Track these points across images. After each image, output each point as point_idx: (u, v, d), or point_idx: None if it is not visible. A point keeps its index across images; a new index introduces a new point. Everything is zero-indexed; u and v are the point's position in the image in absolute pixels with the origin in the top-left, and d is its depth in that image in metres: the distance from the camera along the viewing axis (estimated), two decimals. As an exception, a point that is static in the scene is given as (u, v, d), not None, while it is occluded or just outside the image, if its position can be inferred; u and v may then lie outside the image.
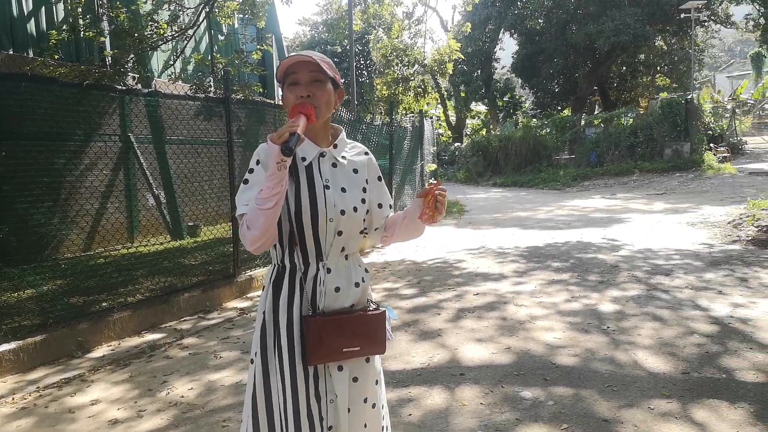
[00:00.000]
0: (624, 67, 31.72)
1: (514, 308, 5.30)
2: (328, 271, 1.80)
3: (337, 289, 1.81)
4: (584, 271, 6.71)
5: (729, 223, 9.46)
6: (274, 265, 1.87)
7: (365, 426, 1.88)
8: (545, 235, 9.58)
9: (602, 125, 23.34)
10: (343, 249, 1.82)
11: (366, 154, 1.95)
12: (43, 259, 7.47)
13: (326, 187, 1.80)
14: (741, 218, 9.44)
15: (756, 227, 8.61)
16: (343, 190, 1.82)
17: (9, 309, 5.05)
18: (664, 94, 28.23)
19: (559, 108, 31.76)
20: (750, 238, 8.11)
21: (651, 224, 10.26)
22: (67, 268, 7.08)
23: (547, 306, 5.32)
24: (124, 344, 4.84)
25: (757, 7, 25.60)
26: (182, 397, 3.64)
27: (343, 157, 1.88)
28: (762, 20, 25.84)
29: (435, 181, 1.81)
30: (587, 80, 29.87)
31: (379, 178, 1.96)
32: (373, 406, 1.90)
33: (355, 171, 1.88)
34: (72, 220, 7.61)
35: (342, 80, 1.89)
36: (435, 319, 5.09)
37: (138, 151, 9.00)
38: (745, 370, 3.63)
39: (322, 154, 1.84)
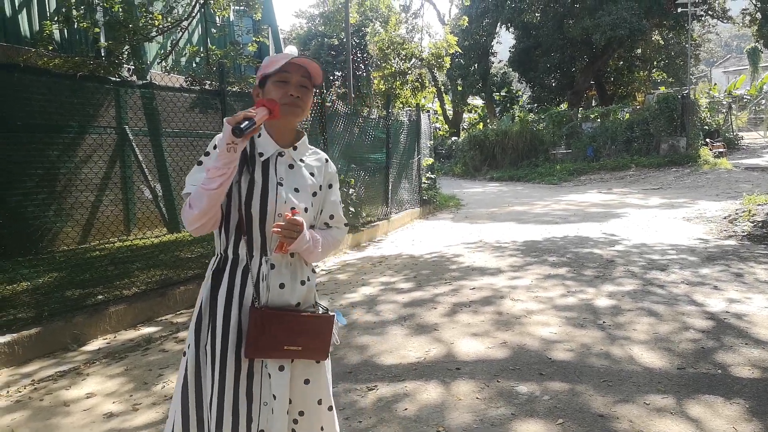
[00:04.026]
0: (621, 62, 31.70)
1: (510, 303, 5.30)
2: (272, 266, 1.80)
3: (282, 286, 1.81)
4: (580, 265, 6.72)
5: (725, 218, 9.48)
6: (218, 255, 1.86)
7: (321, 429, 1.86)
8: (542, 230, 9.59)
9: (599, 120, 23.35)
10: None
11: (326, 161, 2.00)
12: (38, 252, 7.42)
13: (279, 184, 1.82)
14: (736, 213, 9.46)
15: (751, 222, 8.64)
16: (296, 190, 1.86)
17: (3, 302, 5.01)
18: (662, 89, 28.25)
19: (556, 102, 31.72)
20: (745, 233, 8.13)
21: (647, 219, 10.28)
22: (63, 261, 7.04)
23: (543, 301, 5.33)
24: (119, 337, 4.83)
25: (754, 1, 25.62)
26: (178, 390, 3.63)
27: (302, 161, 1.92)
28: (758, 15, 25.85)
29: (288, 213, 1.78)
30: (584, 74, 29.86)
31: (330, 186, 1.99)
32: (329, 408, 1.89)
33: (311, 174, 1.92)
34: (67, 213, 7.57)
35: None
36: (431, 313, 5.09)
37: (134, 143, 8.94)
38: (741, 365, 3.64)
39: (280, 154, 1.86)
